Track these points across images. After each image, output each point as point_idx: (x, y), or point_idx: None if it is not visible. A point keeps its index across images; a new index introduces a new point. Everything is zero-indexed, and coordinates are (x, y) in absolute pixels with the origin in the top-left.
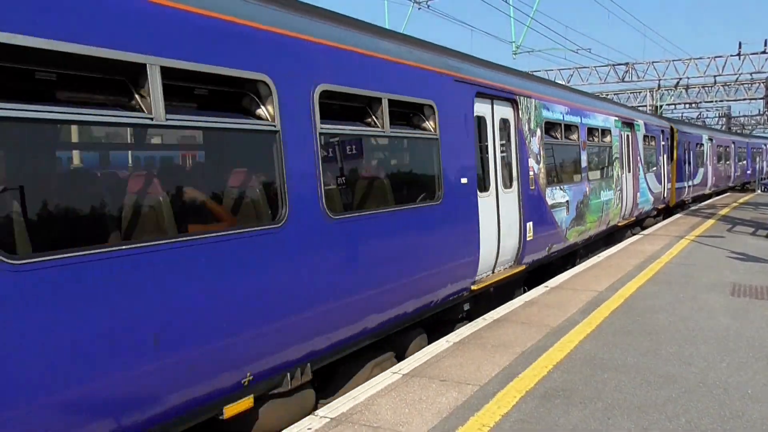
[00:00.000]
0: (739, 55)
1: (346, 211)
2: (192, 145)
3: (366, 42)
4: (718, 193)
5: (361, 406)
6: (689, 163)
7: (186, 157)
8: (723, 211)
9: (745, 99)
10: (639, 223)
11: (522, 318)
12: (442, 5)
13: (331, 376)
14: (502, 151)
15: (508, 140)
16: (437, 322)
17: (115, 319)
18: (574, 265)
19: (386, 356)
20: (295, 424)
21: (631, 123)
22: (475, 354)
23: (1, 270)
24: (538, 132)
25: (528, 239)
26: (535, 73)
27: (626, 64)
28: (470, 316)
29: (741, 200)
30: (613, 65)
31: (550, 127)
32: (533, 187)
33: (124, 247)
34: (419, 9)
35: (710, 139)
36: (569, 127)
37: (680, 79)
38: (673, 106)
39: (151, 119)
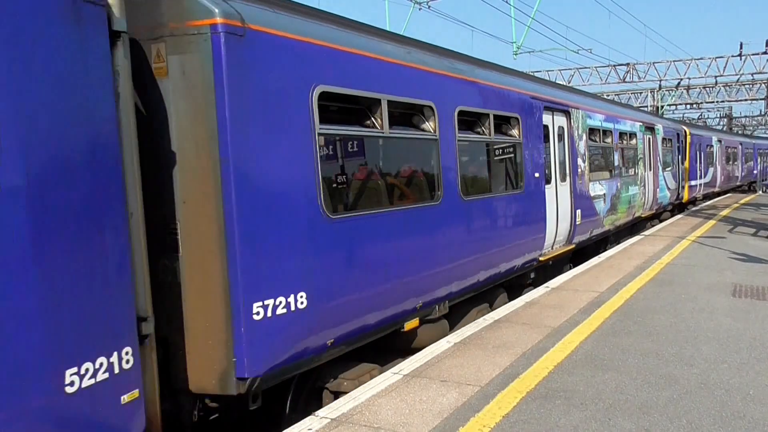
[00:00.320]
0: (740, 55)
1: (470, 195)
2: (403, 148)
3: (483, 74)
4: (726, 191)
5: (361, 406)
6: (700, 163)
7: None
8: (724, 212)
9: (746, 99)
10: (657, 215)
11: (523, 319)
12: (443, 6)
13: (449, 316)
14: (559, 152)
15: (563, 143)
16: (511, 286)
17: (368, 250)
18: (605, 250)
19: (483, 306)
20: (296, 425)
21: (652, 127)
22: (475, 354)
23: (328, 220)
24: (584, 136)
25: (577, 223)
26: (536, 74)
27: (627, 64)
28: (534, 283)
29: (742, 201)
30: (614, 66)
31: (591, 132)
32: (581, 182)
33: (373, 211)
34: (420, 10)
35: (719, 141)
36: (605, 132)
37: (681, 79)
38: (674, 107)
39: (383, 132)
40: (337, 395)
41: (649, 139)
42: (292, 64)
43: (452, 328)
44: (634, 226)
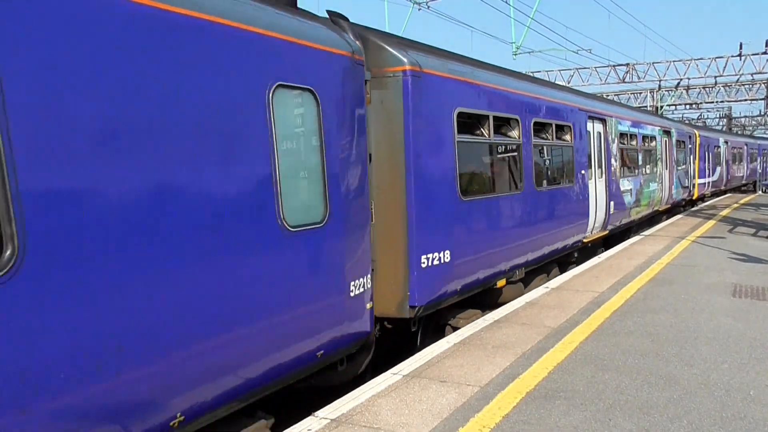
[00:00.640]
0: (740, 55)
1: (540, 187)
2: (501, 150)
3: (546, 92)
4: (731, 190)
5: (361, 407)
6: (709, 163)
7: (498, 157)
8: (724, 212)
9: (746, 100)
10: (671, 210)
11: (523, 319)
12: (442, 6)
13: (523, 280)
14: (597, 153)
15: (600, 146)
16: (560, 263)
17: (482, 223)
18: (628, 238)
19: (542, 276)
20: (296, 425)
21: (669, 130)
22: (475, 355)
23: (461, 201)
24: (616, 140)
25: (611, 213)
26: (535, 74)
27: (627, 64)
28: (577, 262)
29: (742, 201)
30: (614, 66)
31: (621, 136)
32: (613, 178)
33: (485, 196)
34: (419, 10)
35: (726, 142)
36: (631, 136)
37: (681, 79)
38: (673, 107)
39: (489, 139)
40: (454, 329)
41: (666, 141)
42: (443, 93)
43: (525, 289)
44: (652, 219)
